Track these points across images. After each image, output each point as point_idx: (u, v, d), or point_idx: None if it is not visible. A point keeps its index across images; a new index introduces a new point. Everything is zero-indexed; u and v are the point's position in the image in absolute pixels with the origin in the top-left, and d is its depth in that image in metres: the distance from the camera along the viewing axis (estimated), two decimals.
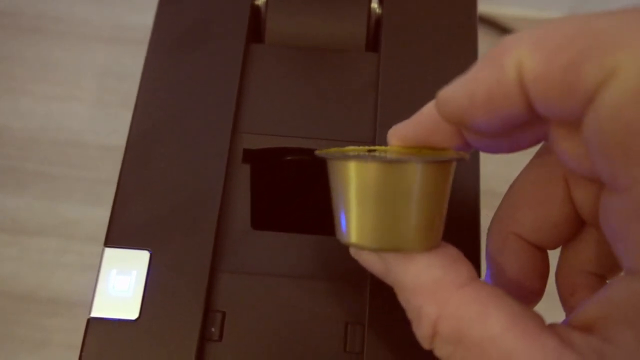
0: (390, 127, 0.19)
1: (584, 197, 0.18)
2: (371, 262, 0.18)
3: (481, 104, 0.16)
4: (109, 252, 0.23)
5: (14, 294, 0.43)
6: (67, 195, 0.46)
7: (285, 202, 0.27)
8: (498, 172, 0.41)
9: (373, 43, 0.28)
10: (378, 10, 0.28)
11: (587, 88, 0.14)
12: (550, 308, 0.19)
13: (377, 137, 0.25)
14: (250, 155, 0.25)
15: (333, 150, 0.19)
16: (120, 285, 0.22)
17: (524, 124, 0.16)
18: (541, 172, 0.19)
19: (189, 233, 0.23)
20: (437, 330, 0.16)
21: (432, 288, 0.16)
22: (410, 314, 0.17)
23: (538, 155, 0.19)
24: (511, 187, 0.20)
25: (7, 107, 0.49)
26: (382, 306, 0.22)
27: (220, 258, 0.23)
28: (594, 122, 0.14)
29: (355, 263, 0.22)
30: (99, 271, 0.22)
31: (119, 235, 0.23)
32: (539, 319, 0.16)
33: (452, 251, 0.17)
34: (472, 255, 0.19)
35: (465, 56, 0.27)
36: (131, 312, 0.22)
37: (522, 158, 0.19)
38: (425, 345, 0.17)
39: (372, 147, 0.20)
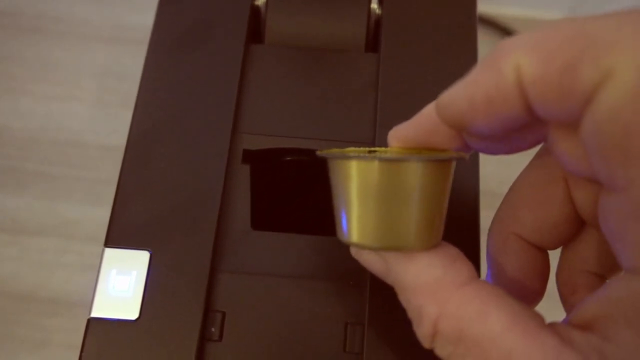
0: (390, 127, 0.19)
1: (584, 198, 0.18)
2: (372, 262, 0.18)
3: (481, 108, 0.16)
4: (109, 252, 0.23)
5: (14, 294, 0.43)
6: (67, 195, 0.46)
7: (285, 202, 0.27)
8: (497, 173, 0.41)
9: (373, 43, 0.28)
10: (378, 11, 0.28)
11: (584, 90, 0.14)
12: (551, 308, 0.19)
13: (376, 137, 0.25)
14: (250, 156, 0.25)
15: (334, 150, 0.19)
16: (121, 285, 0.22)
17: (523, 126, 0.16)
18: (541, 173, 0.19)
19: (189, 233, 0.23)
20: (437, 329, 0.16)
21: (433, 287, 0.16)
22: (411, 314, 0.17)
23: (538, 156, 0.19)
24: (511, 188, 0.20)
25: (7, 107, 0.49)
26: (382, 306, 0.22)
27: (220, 258, 0.23)
28: (592, 123, 0.14)
29: (354, 263, 0.22)
30: (99, 271, 0.22)
31: (119, 235, 0.23)
32: (539, 318, 0.16)
33: (452, 251, 0.17)
34: (472, 256, 0.19)
35: (465, 57, 0.27)
36: (131, 312, 0.22)
37: (522, 159, 0.19)
38: (426, 344, 0.17)
39: (372, 149, 0.20)
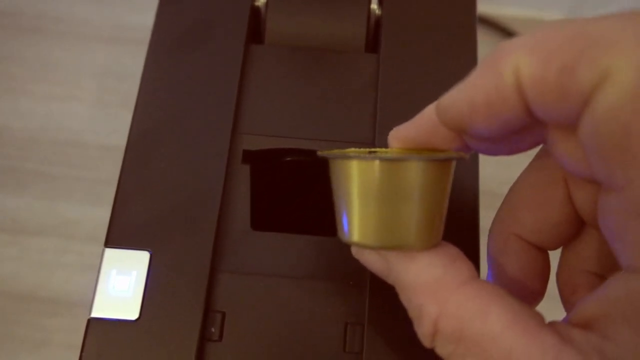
0: (389, 127, 0.19)
1: (584, 198, 0.18)
2: (372, 261, 0.19)
3: (481, 110, 0.16)
4: (109, 252, 0.23)
5: (14, 294, 0.43)
6: (67, 195, 0.46)
7: (285, 202, 0.27)
8: (497, 173, 0.41)
9: (373, 44, 0.28)
10: (378, 11, 0.28)
11: (582, 91, 0.14)
12: (551, 308, 0.19)
13: (376, 138, 0.25)
14: (250, 156, 0.25)
15: (334, 151, 0.19)
16: (121, 285, 0.22)
17: (523, 128, 0.16)
18: (541, 174, 0.19)
19: (189, 233, 0.23)
20: (438, 328, 0.16)
21: (433, 287, 0.17)
22: (412, 313, 0.17)
23: (537, 157, 0.19)
24: (511, 189, 0.20)
25: (7, 107, 0.49)
26: (382, 306, 0.22)
27: (220, 258, 0.23)
28: (590, 124, 0.14)
29: (354, 263, 0.22)
30: (99, 271, 0.22)
31: (119, 235, 0.23)
32: (539, 317, 0.16)
33: (452, 250, 0.17)
34: (472, 255, 0.19)
35: (465, 57, 0.27)
36: (131, 312, 0.22)
37: (521, 160, 0.19)
38: (427, 343, 0.17)
39: (372, 149, 0.20)
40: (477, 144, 0.18)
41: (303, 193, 0.27)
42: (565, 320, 0.16)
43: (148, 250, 0.23)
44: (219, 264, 0.23)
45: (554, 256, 0.20)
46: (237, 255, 0.23)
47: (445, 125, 0.17)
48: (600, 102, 0.14)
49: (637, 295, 0.14)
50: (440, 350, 0.17)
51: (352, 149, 0.20)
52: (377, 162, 0.17)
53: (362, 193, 0.17)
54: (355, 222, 0.17)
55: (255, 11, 0.28)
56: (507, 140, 0.17)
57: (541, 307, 0.18)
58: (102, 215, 0.44)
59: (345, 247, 0.23)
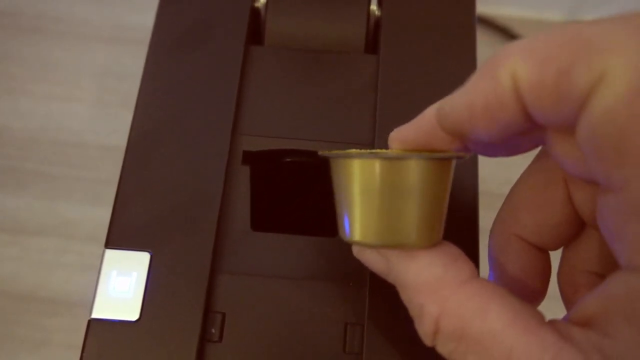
0: (389, 128, 0.19)
1: (583, 199, 0.18)
2: (373, 261, 0.19)
3: (480, 115, 0.16)
4: (110, 253, 0.23)
5: (14, 294, 0.44)
6: (67, 195, 0.46)
7: (285, 203, 0.27)
8: (496, 173, 0.41)
9: (372, 45, 0.28)
10: (377, 12, 0.28)
11: (579, 93, 0.14)
12: (552, 308, 0.19)
13: (376, 138, 0.25)
14: (250, 157, 0.25)
15: (335, 151, 0.19)
16: (121, 286, 0.22)
17: (523, 131, 0.16)
18: (541, 175, 0.19)
19: (189, 234, 0.23)
20: (439, 327, 0.16)
21: (434, 286, 0.17)
22: (412, 312, 0.17)
23: (537, 158, 0.19)
24: (512, 189, 0.20)
25: (7, 107, 0.49)
26: (381, 307, 0.22)
27: (220, 259, 0.23)
28: (587, 126, 0.14)
29: (354, 264, 0.22)
30: (99, 272, 0.22)
31: (119, 236, 0.23)
32: (539, 315, 0.16)
33: (453, 249, 0.18)
34: (471, 255, 0.19)
35: (464, 58, 0.27)
36: (132, 313, 0.22)
37: (520, 160, 0.20)
38: (428, 342, 0.17)
39: (373, 151, 0.20)
40: (477, 146, 0.18)
41: (303, 194, 0.27)
42: (565, 318, 0.16)
43: (148, 251, 0.23)
44: (219, 265, 0.23)
45: (555, 256, 0.20)
46: (237, 256, 0.23)
47: (446, 131, 0.17)
48: (596, 105, 0.14)
49: (636, 293, 0.14)
50: (441, 349, 0.17)
51: (353, 150, 0.20)
52: (378, 161, 0.17)
53: (363, 192, 0.17)
54: (357, 221, 0.18)
55: (255, 12, 0.28)
56: (506, 143, 0.17)
57: (542, 307, 0.18)
58: (102, 215, 0.44)
59: (345, 247, 0.23)
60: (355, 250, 0.20)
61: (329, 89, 0.26)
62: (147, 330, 0.21)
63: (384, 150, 0.20)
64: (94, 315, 0.22)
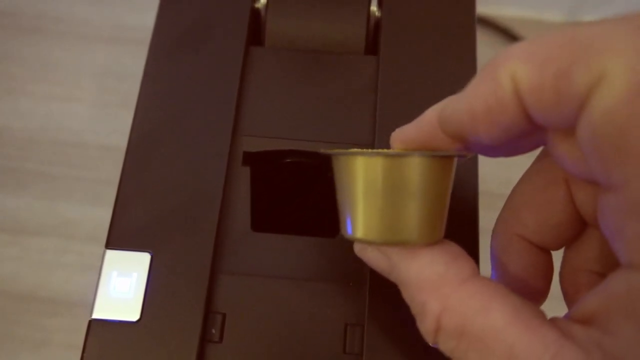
0: (389, 129, 0.20)
1: (585, 199, 0.18)
2: (375, 259, 0.19)
3: (481, 118, 0.16)
4: (110, 254, 0.23)
5: (14, 294, 0.44)
6: (67, 195, 0.46)
7: (285, 204, 0.28)
8: (496, 173, 0.41)
9: (372, 46, 0.28)
10: (377, 13, 0.28)
11: (578, 94, 0.14)
12: (554, 308, 0.19)
13: (376, 139, 0.25)
14: (250, 158, 0.25)
15: (337, 150, 0.20)
16: (122, 287, 0.22)
17: (524, 133, 0.16)
18: (542, 175, 0.19)
19: (190, 235, 0.23)
20: (440, 325, 0.16)
21: (436, 283, 0.17)
22: (414, 310, 0.17)
23: (539, 159, 0.20)
24: (514, 189, 0.20)
25: (7, 107, 0.49)
26: (381, 307, 0.22)
27: (220, 260, 0.23)
28: (587, 126, 0.14)
29: (354, 264, 0.22)
30: (100, 273, 0.22)
31: (120, 237, 0.23)
32: (540, 313, 0.16)
33: (454, 247, 0.18)
34: (471, 255, 0.19)
35: (464, 59, 0.27)
36: (132, 313, 0.22)
37: (521, 160, 0.20)
38: (430, 340, 0.17)
39: (375, 150, 0.20)
40: (478, 147, 0.18)
41: (303, 194, 0.27)
42: (566, 316, 0.16)
43: (149, 252, 0.23)
44: (219, 266, 0.23)
45: (557, 256, 0.20)
46: (237, 257, 0.23)
47: (447, 135, 0.18)
48: (595, 105, 0.14)
49: (637, 291, 0.14)
50: (443, 347, 0.17)
51: (355, 150, 0.20)
52: (380, 158, 0.17)
53: (366, 189, 0.17)
54: (359, 218, 0.18)
55: (255, 13, 0.28)
56: (507, 144, 0.17)
57: (544, 307, 0.18)
58: (102, 215, 0.44)
59: (345, 248, 0.23)
60: (357, 249, 0.20)
61: (329, 90, 0.26)
62: (148, 330, 0.21)
63: (385, 150, 0.20)
64: (95, 315, 0.22)
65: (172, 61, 0.26)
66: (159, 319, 0.22)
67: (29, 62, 0.51)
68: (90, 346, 0.21)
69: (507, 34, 0.52)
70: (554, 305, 0.20)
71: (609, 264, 0.19)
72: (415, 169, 0.17)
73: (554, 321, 0.16)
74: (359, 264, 0.23)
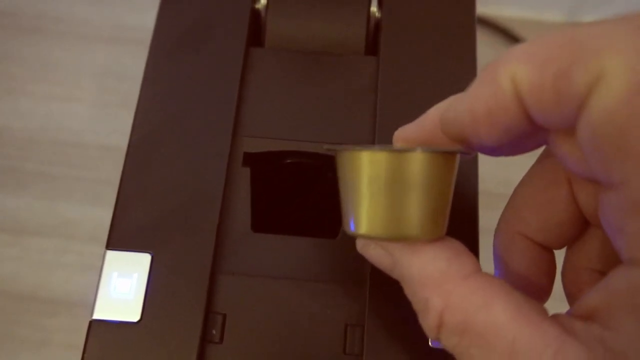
0: (389, 130, 0.20)
1: (587, 198, 0.18)
2: (378, 256, 0.19)
3: (482, 121, 0.16)
4: (111, 254, 0.23)
5: (14, 294, 0.44)
6: (67, 195, 0.46)
7: (285, 204, 0.28)
8: (495, 173, 0.41)
9: (372, 46, 0.29)
10: (377, 14, 0.28)
11: (578, 94, 0.14)
12: (556, 308, 0.19)
13: (376, 140, 0.25)
14: (250, 159, 0.25)
15: (341, 146, 0.20)
16: (122, 287, 0.22)
17: (525, 134, 0.16)
18: (544, 174, 0.19)
19: (190, 235, 0.23)
20: (443, 321, 0.16)
21: (438, 280, 0.17)
22: (417, 306, 0.18)
23: (541, 158, 0.20)
24: (516, 188, 0.20)
25: (7, 107, 0.49)
26: (382, 308, 0.22)
27: (220, 260, 0.23)
28: (587, 126, 0.14)
29: (354, 265, 0.22)
30: (100, 273, 0.22)
31: (120, 238, 0.23)
32: (542, 309, 0.16)
33: (456, 244, 0.18)
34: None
35: (465, 59, 0.27)
36: (133, 314, 0.22)
37: (520, 160, 0.20)
38: (432, 336, 0.17)
39: (379, 146, 0.20)
40: (481, 148, 0.18)
41: (303, 195, 0.27)
42: (568, 313, 0.16)
43: (149, 253, 0.23)
44: (219, 266, 0.23)
45: (560, 255, 0.20)
46: (237, 257, 0.23)
47: (449, 138, 0.18)
48: (594, 105, 0.14)
49: (638, 286, 0.14)
50: (445, 343, 0.17)
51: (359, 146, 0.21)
52: (385, 153, 0.17)
53: (370, 185, 0.17)
54: (363, 214, 0.18)
55: (255, 14, 0.28)
56: (510, 144, 0.17)
57: (545, 307, 0.18)
58: (102, 215, 0.44)
59: (346, 249, 0.23)
60: (360, 246, 0.20)
61: (329, 91, 0.26)
62: (148, 331, 0.21)
63: (389, 146, 0.20)
64: (95, 316, 0.22)
65: (172, 62, 0.26)
66: (160, 320, 0.22)
67: (29, 62, 0.51)
68: (90, 347, 0.21)
69: (507, 34, 0.52)
70: (557, 305, 0.20)
71: (611, 262, 0.19)
72: (419, 164, 0.17)
73: (555, 317, 0.16)
74: (359, 264, 0.23)
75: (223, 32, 0.27)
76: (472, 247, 0.23)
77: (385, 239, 0.18)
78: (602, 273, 0.19)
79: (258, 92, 0.26)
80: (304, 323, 0.22)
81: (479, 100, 0.16)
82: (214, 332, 0.22)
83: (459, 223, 0.20)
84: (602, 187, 0.15)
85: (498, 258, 0.20)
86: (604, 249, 0.19)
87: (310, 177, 0.26)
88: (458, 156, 0.18)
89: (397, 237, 0.18)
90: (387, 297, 0.22)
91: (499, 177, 0.40)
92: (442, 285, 0.17)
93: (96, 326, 0.22)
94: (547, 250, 0.20)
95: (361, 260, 0.20)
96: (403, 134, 0.20)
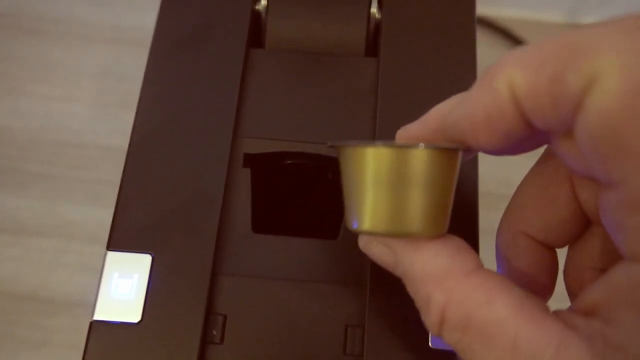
0: (389, 130, 0.20)
1: (588, 197, 0.18)
2: (380, 254, 0.19)
3: (482, 127, 0.16)
4: (111, 255, 0.23)
5: (14, 294, 0.44)
6: (67, 195, 0.46)
7: (286, 205, 0.28)
8: (495, 173, 0.41)
9: (372, 47, 0.29)
10: (377, 15, 0.28)
11: (573, 97, 0.14)
12: (559, 308, 0.20)
13: (376, 141, 0.25)
14: (251, 159, 0.25)
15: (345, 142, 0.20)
16: (123, 288, 0.22)
17: (524, 137, 0.17)
18: (546, 173, 0.19)
19: (191, 236, 0.23)
20: (445, 317, 0.17)
21: (440, 276, 0.17)
22: (419, 303, 0.18)
23: (543, 157, 0.20)
24: (518, 188, 0.20)
25: (7, 107, 0.49)
26: (382, 309, 0.22)
27: (221, 261, 0.23)
28: (583, 128, 0.15)
29: (355, 266, 0.22)
30: (101, 274, 0.22)
31: (121, 238, 0.23)
32: (543, 305, 0.16)
33: (457, 241, 0.18)
34: None
35: (464, 60, 0.27)
36: (133, 315, 0.22)
37: (519, 160, 0.20)
38: (434, 332, 0.17)
39: (382, 142, 0.20)
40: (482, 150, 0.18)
41: (304, 196, 0.27)
42: (569, 309, 0.17)
43: (150, 253, 0.23)
44: (220, 267, 0.23)
45: (562, 254, 0.20)
46: (238, 258, 0.23)
47: (450, 141, 0.18)
48: (590, 106, 0.14)
49: (638, 282, 0.15)
50: (447, 339, 0.17)
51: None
52: (388, 149, 0.17)
53: (374, 181, 0.18)
54: (366, 210, 0.18)
55: (255, 15, 0.28)
56: (510, 146, 0.18)
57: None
58: (102, 215, 0.44)
59: (346, 249, 0.23)
60: (362, 243, 0.20)
61: (330, 92, 0.26)
62: (149, 332, 0.22)
63: (392, 142, 0.20)
64: (96, 317, 0.22)
65: (172, 63, 0.26)
66: (160, 321, 0.22)
67: (29, 62, 0.51)
68: (91, 348, 0.21)
69: (507, 35, 0.52)
70: (558, 306, 0.20)
71: (613, 260, 0.19)
72: (421, 160, 0.17)
73: (557, 313, 0.16)
74: (360, 265, 0.23)
75: (223, 33, 0.27)
76: (473, 246, 0.23)
77: (388, 235, 0.18)
78: (604, 271, 0.19)
79: (258, 93, 0.26)
80: (305, 324, 0.22)
81: (477, 106, 0.16)
82: (214, 332, 0.22)
83: (459, 222, 0.20)
84: (602, 185, 0.16)
85: (501, 257, 0.20)
86: (605, 247, 0.19)
87: (310, 178, 0.26)
88: (460, 153, 0.18)
89: (400, 234, 0.18)
90: (388, 298, 0.22)
91: (499, 177, 0.40)
92: (445, 282, 0.17)
93: (97, 327, 0.22)
94: (550, 249, 0.20)
95: (361, 261, 0.20)
96: (405, 133, 0.20)
